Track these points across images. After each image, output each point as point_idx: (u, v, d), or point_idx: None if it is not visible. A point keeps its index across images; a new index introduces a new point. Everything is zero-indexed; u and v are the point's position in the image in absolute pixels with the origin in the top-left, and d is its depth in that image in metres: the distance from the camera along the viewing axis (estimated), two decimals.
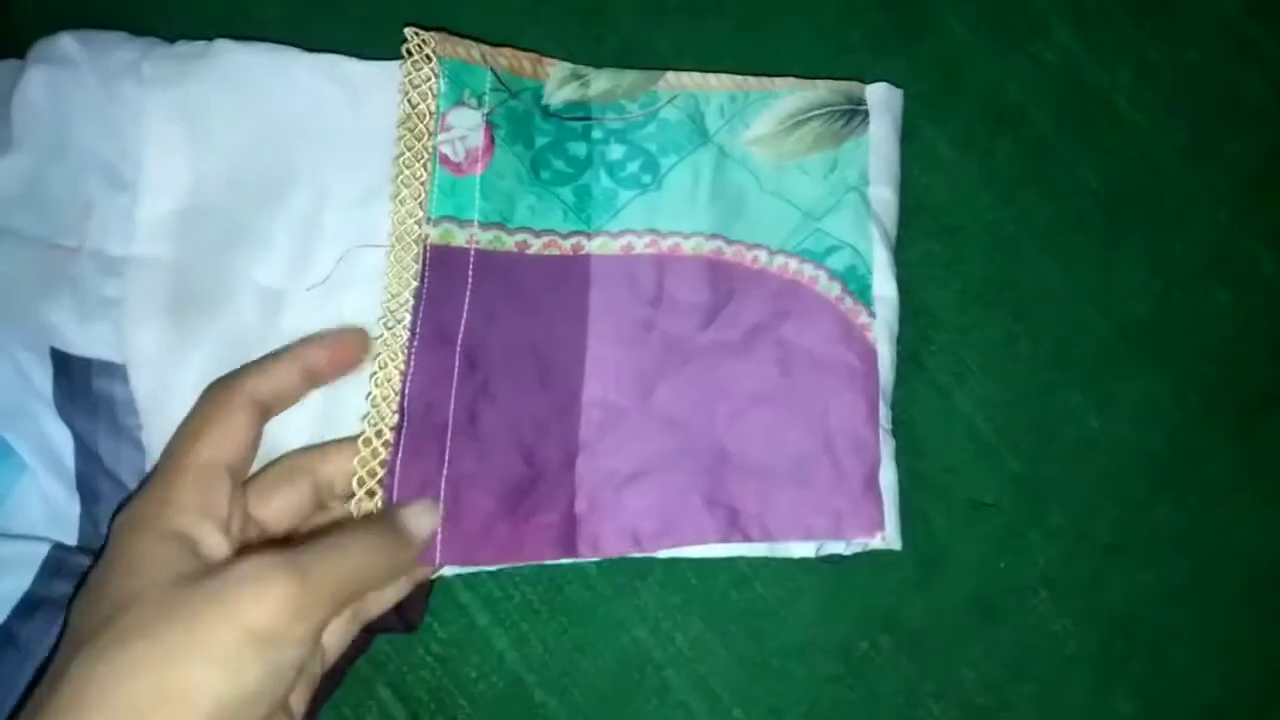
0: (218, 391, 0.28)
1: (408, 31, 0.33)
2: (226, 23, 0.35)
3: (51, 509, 0.29)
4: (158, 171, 0.31)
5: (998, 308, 0.35)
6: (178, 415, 0.29)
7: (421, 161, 0.32)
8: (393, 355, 0.31)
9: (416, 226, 0.32)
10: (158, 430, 0.30)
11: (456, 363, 0.31)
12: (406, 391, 0.30)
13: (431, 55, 0.33)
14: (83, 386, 0.30)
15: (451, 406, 0.31)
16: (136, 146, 0.31)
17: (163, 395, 0.30)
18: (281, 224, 0.32)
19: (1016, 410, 0.34)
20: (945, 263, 0.35)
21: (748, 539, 0.31)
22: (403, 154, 0.32)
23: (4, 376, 0.29)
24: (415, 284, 0.31)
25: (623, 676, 0.33)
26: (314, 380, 0.30)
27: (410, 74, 0.32)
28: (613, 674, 0.32)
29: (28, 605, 0.27)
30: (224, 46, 0.33)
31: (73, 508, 0.29)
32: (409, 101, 0.32)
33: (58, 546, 0.29)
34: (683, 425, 0.31)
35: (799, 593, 0.33)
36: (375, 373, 0.30)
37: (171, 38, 0.33)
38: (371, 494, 0.29)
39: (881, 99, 0.34)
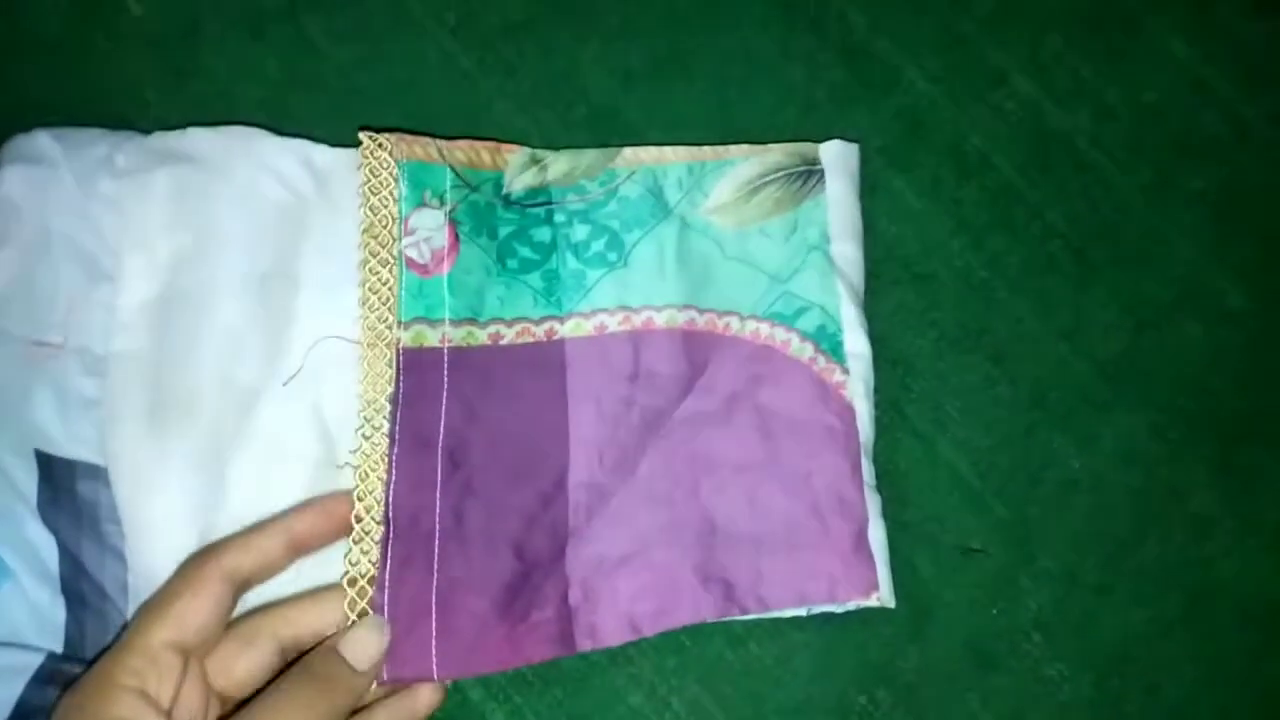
0: (192, 564, 0.28)
1: (363, 136, 0.33)
2: (204, 105, 0.36)
3: (36, 615, 0.29)
4: (134, 261, 0.32)
5: (974, 353, 0.35)
6: (156, 522, 0.29)
7: (387, 267, 0.32)
8: (373, 466, 0.30)
9: (388, 331, 0.32)
10: (137, 538, 0.30)
11: (439, 466, 0.31)
12: (390, 502, 0.30)
13: (389, 159, 0.33)
14: (67, 489, 0.30)
15: (437, 511, 0.30)
16: (114, 238, 0.32)
17: (141, 501, 0.30)
18: (254, 312, 0.32)
19: (999, 454, 0.35)
20: (919, 311, 0.35)
21: (745, 611, 0.31)
22: (368, 260, 0.32)
23: None
24: (390, 389, 0.31)
25: None
26: (299, 551, 0.30)
27: (369, 180, 0.33)
28: None
29: (20, 715, 0.27)
30: (195, 135, 0.33)
31: (58, 613, 0.29)
32: (370, 208, 0.32)
33: (50, 656, 0.28)
34: (668, 500, 0.32)
35: (793, 650, 0.33)
36: (358, 485, 0.30)
37: (148, 127, 0.34)
38: (364, 614, 0.29)
39: (836, 156, 0.35)
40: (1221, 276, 0.36)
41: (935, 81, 0.37)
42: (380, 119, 0.36)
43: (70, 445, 0.30)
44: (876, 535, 0.31)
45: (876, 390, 0.34)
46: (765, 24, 0.37)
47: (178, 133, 0.33)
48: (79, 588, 0.29)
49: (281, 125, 0.34)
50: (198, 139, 0.33)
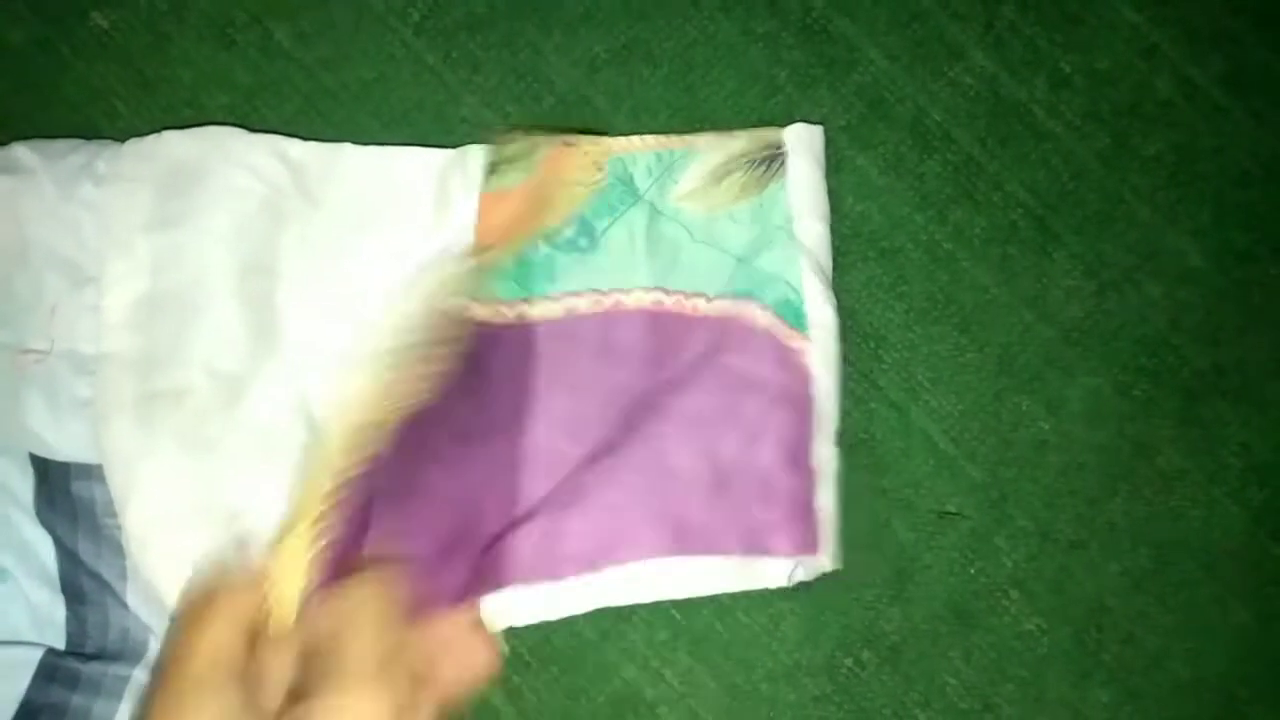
0: None
1: None
2: (174, 113, 0.36)
3: (36, 614, 0.30)
4: (121, 264, 0.32)
5: (942, 323, 0.36)
6: (149, 511, 0.30)
7: None
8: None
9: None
10: (133, 527, 0.30)
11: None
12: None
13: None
14: (62, 490, 0.30)
15: (388, 462, 0.30)
16: (98, 242, 0.32)
17: (137, 492, 0.30)
18: (237, 305, 0.33)
19: (970, 419, 0.36)
20: (888, 285, 0.36)
21: (691, 552, 0.32)
22: None
23: None
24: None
25: (617, 719, 0.33)
26: None
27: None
28: (607, 718, 0.33)
29: (26, 713, 0.28)
30: (171, 138, 0.34)
31: (58, 611, 0.30)
32: None
33: (50, 652, 0.29)
34: (625, 450, 0.33)
35: (780, 618, 0.34)
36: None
37: (119, 136, 0.34)
38: (296, 556, 0.28)
39: (798, 139, 0.35)
40: (1179, 237, 0.37)
41: (894, 59, 0.38)
42: (348, 119, 0.36)
43: (64, 447, 0.31)
44: (829, 495, 0.32)
45: (850, 363, 0.35)
46: (725, 7, 0.38)
47: (154, 136, 0.34)
48: (78, 584, 0.30)
49: (252, 130, 0.35)
50: (174, 141, 0.33)
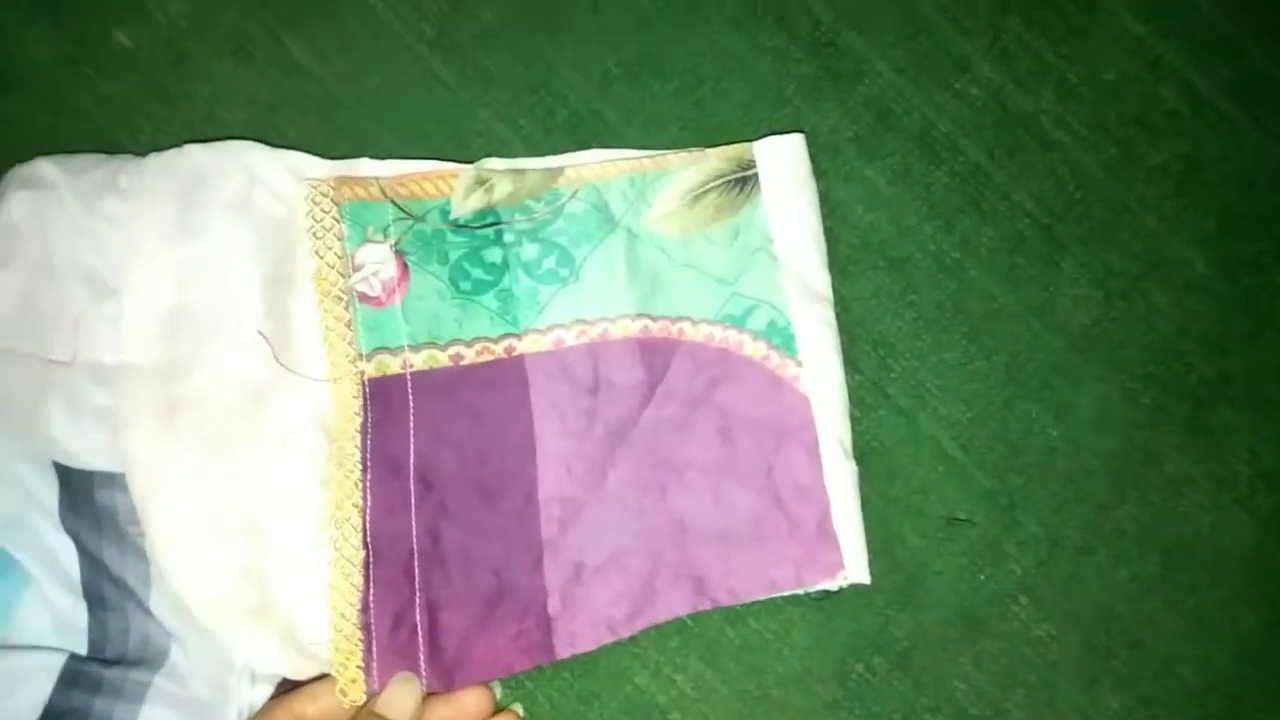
0: (265, 708, 0.30)
1: (306, 185, 0.34)
2: (194, 128, 0.36)
3: (58, 619, 0.30)
4: (143, 276, 0.33)
5: (951, 331, 0.37)
6: (172, 518, 0.30)
7: (342, 304, 0.34)
8: (348, 494, 0.32)
9: (351, 365, 0.33)
10: (157, 534, 0.31)
11: (412, 490, 0.32)
12: (367, 528, 0.32)
13: (331, 203, 0.34)
14: (85, 498, 0.31)
15: (414, 533, 0.32)
16: (120, 255, 0.33)
17: (159, 499, 0.31)
18: (257, 316, 0.33)
19: (979, 427, 0.36)
20: (897, 294, 0.37)
21: (716, 604, 0.32)
22: (322, 300, 0.34)
23: (5, 490, 0.31)
24: (359, 419, 0.32)
25: None
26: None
27: (313, 225, 0.34)
28: None
29: (50, 718, 0.28)
30: (192, 151, 0.34)
31: (80, 616, 0.30)
32: (317, 252, 0.34)
33: (73, 657, 0.30)
34: (637, 507, 0.33)
35: (791, 624, 0.34)
36: (334, 514, 0.32)
37: (141, 152, 0.35)
38: (349, 636, 0.30)
39: (771, 154, 0.36)
40: (1185, 246, 0.38)
41: (901, 71, 0.38)
42: (365, 133, 0.37)
43: (86, 456, 0.31)
44: (852, 510, 0.33)
45: (859, 371, 0.35)
46: (734, 21, 0.38)
47: (175, 151, 0.34)
48: (100, 589, 0.31)
49: (271, 144, 0.35)
50: (195, 155, 0.34)
